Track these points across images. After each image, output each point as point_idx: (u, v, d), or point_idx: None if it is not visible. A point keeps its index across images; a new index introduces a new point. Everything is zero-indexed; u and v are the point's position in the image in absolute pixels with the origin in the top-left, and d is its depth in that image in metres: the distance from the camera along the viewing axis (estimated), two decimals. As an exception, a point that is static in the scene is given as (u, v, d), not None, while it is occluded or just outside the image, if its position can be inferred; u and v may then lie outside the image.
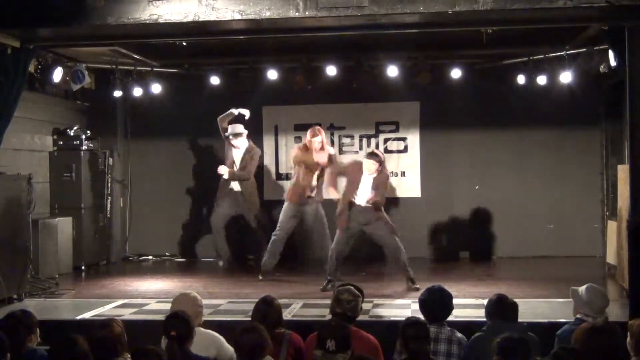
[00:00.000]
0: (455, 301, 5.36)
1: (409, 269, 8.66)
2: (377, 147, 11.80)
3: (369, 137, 11.88)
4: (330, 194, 9.07)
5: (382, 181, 8.61)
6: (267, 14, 6.97)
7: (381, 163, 8.65)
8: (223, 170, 10.06)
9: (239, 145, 10.16)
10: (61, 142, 10.83)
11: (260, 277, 9.44)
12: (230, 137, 10.12)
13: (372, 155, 8.69)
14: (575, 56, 9.76)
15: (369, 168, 8.55)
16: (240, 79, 10.95)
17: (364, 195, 8.56)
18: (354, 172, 8.69)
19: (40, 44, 8.37)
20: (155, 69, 11.02)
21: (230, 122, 10.20)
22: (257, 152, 10.33)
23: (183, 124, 11.81)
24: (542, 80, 10.36)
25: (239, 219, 10.65)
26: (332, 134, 11.90)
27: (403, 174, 11.80)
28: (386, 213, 11.60)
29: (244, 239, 10.94)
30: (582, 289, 5.29)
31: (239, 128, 10.16)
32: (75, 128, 11.01)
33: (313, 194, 9.38)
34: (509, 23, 7.55)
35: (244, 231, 10.81)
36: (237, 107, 10.25)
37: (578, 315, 5.23)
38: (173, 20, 7.11)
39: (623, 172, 8.65)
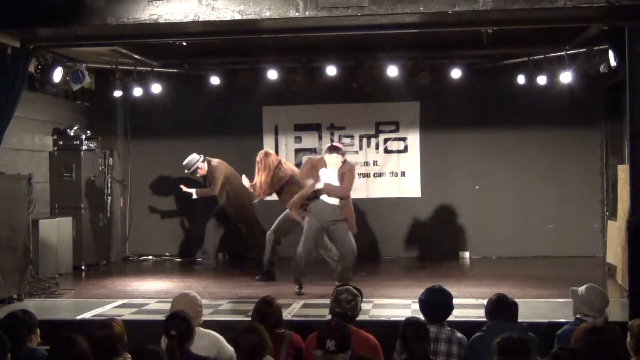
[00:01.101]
0: (455, 301, 5.35)
1: (350, 274, 8.44)
2: (377, 147, 11.81)
3: (369, 137, 11.87)
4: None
5: (346, 171, 8.39)
6: (267, 14, 6.97)
7: (344, 155, 8.50)
8: (191, 190, 10.40)
9: (202, 173, 10.45)
10: (61, 142, 10.83)
11: (257, 278, 9.45)
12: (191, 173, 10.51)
13: (334, 149, 8.44)
14: (575, 56, 9.76)
15: (334, 162, 8.34)
16: (240, 79, 10.95)
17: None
18: (319, 165, 8.43)
19: (40, 44, 8.37)
20: (155, 69, 11.02)
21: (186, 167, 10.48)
22: (217, 168, 10.35)
23: (183, 124, 11.81)
24: (542, 80, 10.37)
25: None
26: (332, 134, 11.91)
27: (403, 174, 11.81)
28: (386, 213, 11.72)
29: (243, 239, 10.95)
30: (582, 289, 5.29)
31: (191, 164, 10.35)
32: (75, 128, 11.01)
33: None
34: (509, 23, 7.55)
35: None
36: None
37: (578, 315, 5.24)
38: (173, 20, 7.11)
39: (623, 172, 8.65)
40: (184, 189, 10.40)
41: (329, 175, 8.39)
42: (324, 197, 8.41)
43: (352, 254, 8.41)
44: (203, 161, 10.41)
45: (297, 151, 11.94)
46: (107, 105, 11.57)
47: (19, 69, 7.86)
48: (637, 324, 4.38)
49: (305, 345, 5.02)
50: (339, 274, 8.48)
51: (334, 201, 8.38)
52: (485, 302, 5.34)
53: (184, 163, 10.43)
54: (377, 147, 11.84)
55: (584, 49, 9.48)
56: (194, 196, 10.41)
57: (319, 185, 8.32)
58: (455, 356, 5.00)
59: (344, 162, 8.45)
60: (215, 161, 10.44)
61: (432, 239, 11.65)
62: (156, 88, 11.02)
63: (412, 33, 8.24)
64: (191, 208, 11.87)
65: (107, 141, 11.58)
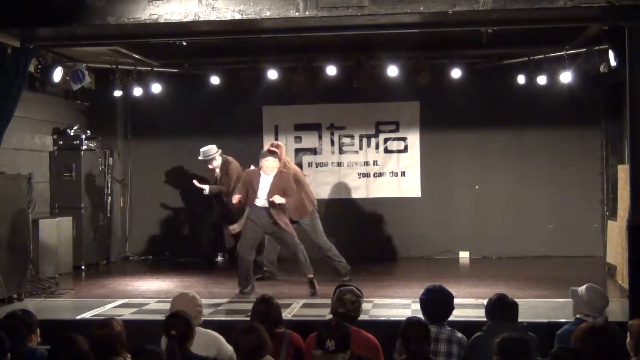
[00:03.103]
0: (455, 301, 5.35)
1: (308, 270, 8.38)
2: (377, 147, 11.81)
3: (369, 137, 11.88)
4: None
5: (286, 181, 8.36)
6: (267, 14, 6.97)
7: (281, 159, 8.48)
8: (205, 186, 10.13)
9: (215, 166, 10.20)
10: (61, 142, 10.83)
11: (256, 277, 9.44)
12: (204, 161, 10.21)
13: (271, 153, 8.38)
14: (575, 56, 9.76)
15: (271, 166, 8.29)
16: (240, 79, 10.95)
17: (262, 196, 8.31)
18: (252, 176, 8.42)
19: (41, 44, 8.37)
20: (155, 69, 11.02)
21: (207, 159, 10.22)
22: (233, 165, 10.20)
23: (183, 124, 11.81)
24: (542, 80, 10.37)
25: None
26: (332, 134, 11.90)
27: (403, 174, 11.81)
28: (386, 213, 11.72)
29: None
30: (582, 289, 5.29)
31: (209, 152, 10.11)
32: (75, 128, 11.01)
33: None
34: (509, 23, 7.55)
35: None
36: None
37: (578, 315, 5.23)
38: (173, 20, 7.11)
39: (623, 172, 8.66)
40: (197, 184, 10.21)
41: (264, 183, 8.31)
42: (256, 202, 8.38)
43: (299, 251, 8.37)
44: (220, 155, 10.27)
45: (297, 151, 11.94)
46: (107, 105, 11.57)
47: (19, 69, 7.86)
48: (637, 324, 4.38)
49: (305, 345, 5.02)
50: (301, 271, 8.47)
51: (265, 204, 8.30)
52: (485, 302, 5.34)
53: (203, 149, 10.18)
54: (377, 147, 11.84)
55: (584, 49, 9.49)
56: (206, 192, 10.19)
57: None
58: (455, 356, 5.00)
59: (282, 169, 8.42)
60: (230, 158, 10.31)
61: (432, 239, 11.64)
62: (156, 88, 11.02)
63: (412, 33, 8.25)
64: (191, 208, 11.89)
65: (107, 141, 11.59)
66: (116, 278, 10.14)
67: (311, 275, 8.40)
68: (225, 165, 10.19)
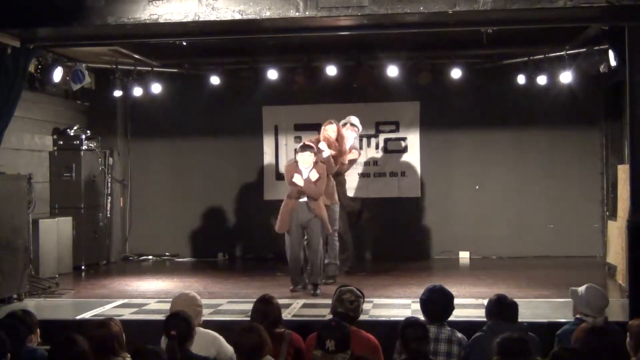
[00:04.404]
0: (455, 301, 5.35)
1: (318, 277, 8.33)
2: (377, 147, 11.81)
3: (369, 137, 11.86)
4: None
5: (321, 171, 8.34)
6: (267, 14, 6.98)
7: (316, 154, 8.40)
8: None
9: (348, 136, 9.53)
10: (61, 142, 10.82)
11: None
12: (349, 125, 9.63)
13: (305, 147, 8.36)
14: (575, 56, 9.76)
15: (307, 161, 8.26)
16: (240, 79, 10.95)
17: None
18: (290, 172, 8.38)
19: (41, 44, 8.38)
20: (155, 69, 11.02)
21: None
22: None
23: (183, 124, 11.81)
24: (542, 80, 10.37)
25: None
26: (332, 134, 11.89)
27: (403, 174, 11.80)
28: (386, 213, 11.71)
29: (245, 237, 10.94)
30: (582, 289, 5.30)
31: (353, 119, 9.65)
32: (75, 128, 11.01)
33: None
34: (509, 23, 7.55)
35: (245, 228, 10.79)
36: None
37: (578, 315, 5.24)
38: (173, 20, 7.11)
39: (623, 172, 8.66)
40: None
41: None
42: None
43: (314, 257, 8.31)
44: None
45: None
46: (107, 105, 11.57)
47: (19, 69, 7.86)
48: (637, 324, 4.39)
49: (305, 345, 5.02)
50: (309, 279, 8.41)
51: (304, 199, 8.31)
52: (485, 302, 5.34)
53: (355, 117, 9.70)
54: (377, 147, 11.84)
55: (584, 49, 9.49)
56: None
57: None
58: (456, 356, 5.00)
59: (317, 162, 8.39)
60: None
61: (432, 239, 11.65)
62: (156, 88, 11.02)
63: (412, 33, 8.25)
64: (191, 208, 11.88)
65: (107, 141, 11.59)
66: (116, 278, 10.13)
67: (317, 282, 8.35)
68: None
